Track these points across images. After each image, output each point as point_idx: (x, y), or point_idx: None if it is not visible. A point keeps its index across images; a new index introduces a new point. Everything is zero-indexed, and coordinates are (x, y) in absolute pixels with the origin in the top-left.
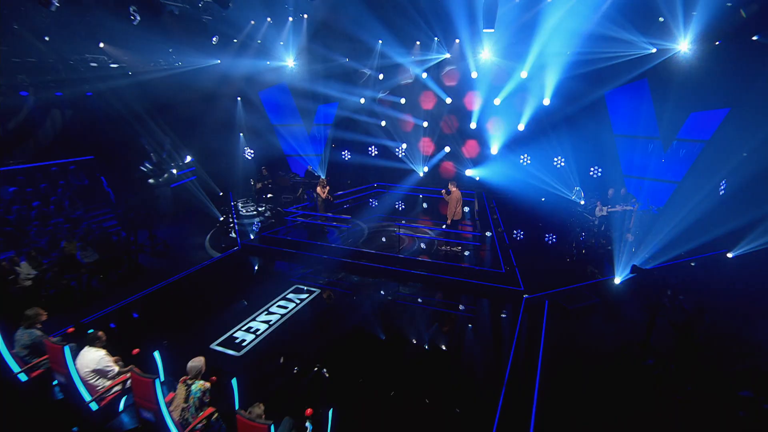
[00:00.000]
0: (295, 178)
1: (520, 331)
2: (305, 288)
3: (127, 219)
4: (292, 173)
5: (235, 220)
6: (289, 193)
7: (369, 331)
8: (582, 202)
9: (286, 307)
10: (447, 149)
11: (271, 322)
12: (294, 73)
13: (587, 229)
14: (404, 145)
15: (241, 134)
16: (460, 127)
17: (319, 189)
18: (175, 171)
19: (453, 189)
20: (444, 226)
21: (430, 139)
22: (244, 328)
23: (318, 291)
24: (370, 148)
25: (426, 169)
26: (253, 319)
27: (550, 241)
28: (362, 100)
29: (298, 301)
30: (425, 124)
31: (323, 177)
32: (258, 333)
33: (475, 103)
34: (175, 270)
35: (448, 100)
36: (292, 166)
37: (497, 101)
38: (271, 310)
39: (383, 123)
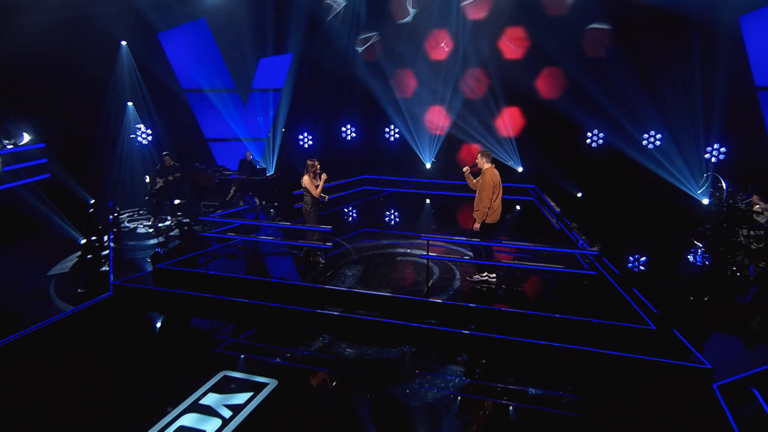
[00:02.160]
0: (222, 174)
1: None
2: (243, 378)
3: None
4: (218, 166)
5: (112, 244)
6: (214, 196)
7: None
8: (706, 201)
9: None
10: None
11: None
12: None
13: (732, 244)
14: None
15: (130, 104)
16: (493, 87)
17: (306, 180)
18: None
19: (485, 166)
20: (472, 230)
21: (442, 108)
22: None
23: (274, 383)
24: (344, 128)
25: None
26: None
27: (638, 267)
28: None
29: (226, 415)
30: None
31: (312, 160)
32: None
33: (519, 45)
34: None
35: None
36: (217, 155)
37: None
38: None
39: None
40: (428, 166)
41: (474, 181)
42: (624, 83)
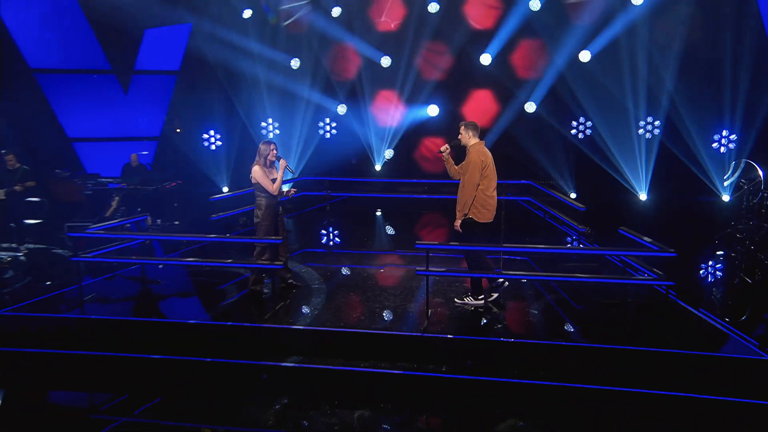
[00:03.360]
0: (98, 183)
1: None
2: None
3: None
4: (89, 174)
5: None
6: (86, 214)
7: None
8: (726, 197)
9: None
10: (432, 111)
11: None
12: None
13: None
14: (342, 108)
15: None
16: (458, 65)
17: (257, 172)
18: None
19: (471, 141)
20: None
21: (395, 92)
22: None
23: None
24: (265, 123)
25: (390, 153)
26: None
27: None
28: (248, 13)
29: None
30: (386, 61)
31: (266, 142)
32: None
33: (490, 12)
34: None
35: (434, 8)
36: (87, 160)
37: (536, 4)
38: None
39: (295, 63)
40: (378, 166)
41: (457, 167)
42: (616, 60)
